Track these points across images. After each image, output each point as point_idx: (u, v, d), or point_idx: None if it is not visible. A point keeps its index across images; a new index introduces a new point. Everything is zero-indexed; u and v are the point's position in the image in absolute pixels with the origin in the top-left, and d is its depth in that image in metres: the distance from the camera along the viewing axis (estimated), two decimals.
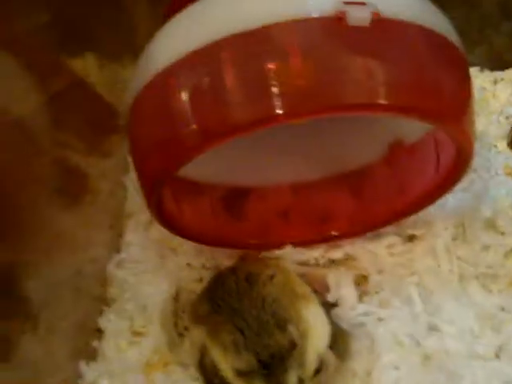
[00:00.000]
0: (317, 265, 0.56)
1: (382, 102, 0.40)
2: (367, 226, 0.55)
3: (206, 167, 0.53)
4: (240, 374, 0.45)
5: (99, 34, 0.60)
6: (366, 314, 0.52)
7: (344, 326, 0.51)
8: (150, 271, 0.57)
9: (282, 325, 0.46)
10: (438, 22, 0.44)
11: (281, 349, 0.45)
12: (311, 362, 0.46)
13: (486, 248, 0.54)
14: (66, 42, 0.55)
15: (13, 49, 0.47)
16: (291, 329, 0.45)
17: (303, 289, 0.50)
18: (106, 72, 0.61)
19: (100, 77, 0.60)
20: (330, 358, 0.48)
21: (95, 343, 0.53)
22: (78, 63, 0.57)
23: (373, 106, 0.40)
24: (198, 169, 0.53)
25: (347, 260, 0.56)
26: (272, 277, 0.49)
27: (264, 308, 0.47)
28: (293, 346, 0.45)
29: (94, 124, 0.59)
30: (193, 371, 0.50)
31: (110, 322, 0.54)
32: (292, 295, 0.48)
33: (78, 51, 0.57)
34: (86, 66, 0.58)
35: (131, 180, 0.61)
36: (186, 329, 0.51)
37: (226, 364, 0.46)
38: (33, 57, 0.50)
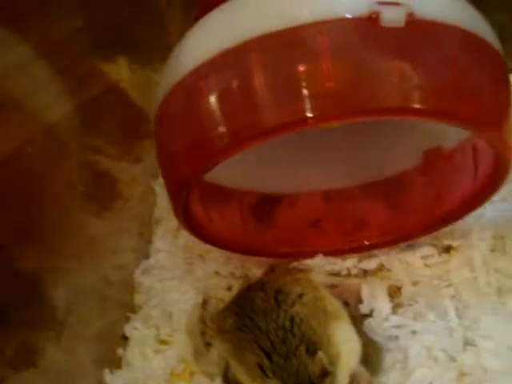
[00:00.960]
0: (349, 275, 0.54)
1: (416, 106, 0.38)
2: (402, 235, 0.54)
3: (236, 174, 0.53)
4: None
5: (132, 39, 0.59)
6: (399, 326, 0.50)
7: (376, 338, 0.50)
8: (177, 278, 0.56)
9: (311, 350, 0.44)
10: (477, 25, 0.42)
11: (311, 377, 0.43)
12: None
13: None
14: (99, 47, 0.55)
15: (49, 55, 0.47)
16: (322, 354, 0.44)
17: (334, 306, 0.48)
18: (138, 77, 0.60)
19: (132, 81, 0.60)
20: (362, 372, 0.47)
21: (120, 351, 0.53)
22: (110, 68, 0.57)
23: (406, 110, 0.39)
24: (228, 175, 0.52)
25: (381, 271, 0.54)
26: (301, 295, 0.48)
27: (292, 330, 0.45)
28: (324, 373, 0.43)
29: (125, 129, 0.59)
30: (219, 382, 0.49)
31: (135, 329, 0.53)
32: (322, 314, 0.47)
33: (110, 56, 0.57)
34: (118, 71, 0.58)
35: (161, 185, 0.60)
36: (212, 338, 0.50)
37: None
38: (67, 62, 0.50)
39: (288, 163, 0.54)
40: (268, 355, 0.44)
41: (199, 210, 0.51)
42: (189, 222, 0.49)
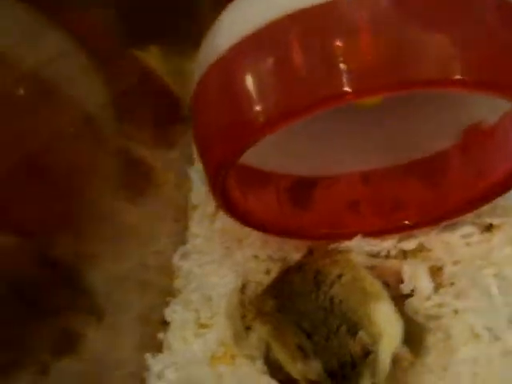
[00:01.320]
0: (389, 256, 0.53)
1: (457, 76, 0.37)
2: (441, 214, 0.53)
3: (273, 156, 0.52)
4: (306, 380, 0.44)
5: (165, 26, 0.59)
6: (441, 305, 0.49)
7: (418, 318, 0.49)
8: (215, 262, 0.56)
9: (352, 330, 0.44)
10: None
11: (353, 356, 0.43)
12: (384, 366, 0.44)
13: None
14: (133, 35, 0.55)
15: (86, 45, 0.47)
16: (362, 334, 0.43)
17: (374, 286, 0.48)
18: (172, 63, 0.60)
19: (166, 68, 0.60)
20: (404, 353, 0.46)
21: (161, 335, 0.53)
22: (144, 55, 0.57)
23: (446, 82, 0.38)
24: (264, 158, 0.52)
25: (421, 251, 0.53)
26: (340, 276, 0.47)
27: (332, 310, 0.45)
28: (366, 352, 0.43)
29: (160, 116, 0.59)
30: (260, 364, 0.49)
31: (175, 313, 0.53)
32: (362, 294, 0.46)
33: (144, 43, 0.57)
34: (152, 58, 0.58)
35: (196, 171, 0.60)
36: (252, 321, 0.50)
37: (291, 366, 0.45)
38: (103, 52, 0.50)
39: (324, 145, 0.54)
40: (309, 336, 0.44)
41: (236, 192, 0.50)
42: (226, 203, 0.49)
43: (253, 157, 0.48)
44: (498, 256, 0.51)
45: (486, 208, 0.52)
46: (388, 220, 0.54)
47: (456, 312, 0.49)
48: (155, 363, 0.51)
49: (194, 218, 0.59)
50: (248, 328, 0.51)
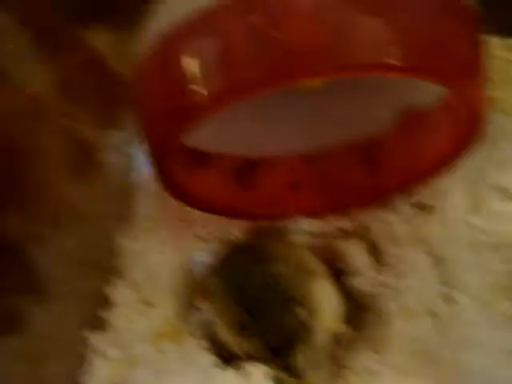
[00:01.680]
0: (329, 236, 0.55)
1: (392, 62, 0.38)
2: (380, 195, 0.55)
3: (216, 137, 0.53)
4: (248, 356, 0.45)
5: (113, 5, 0.59)
6: (379, 284, 0.51)
7: (357, 297, 0.51)
8: (160, 242, 0.56)
9: (290, 305, 0.45)
10: None
11: (289, 331, 0.44)
12: (322, 343, 0.45)
13: (501, 217, 0.53)
14: (80, 13, 0.54)
15: (30, 24, 0.47)
16: (300, 310, 0.45)
17: (313, 264, 0.49)
18: (119, 43, 0.60)
19: (112, 48, 0.59)
20: (343, 330, 0.48)
21: (104, 314, 0.53)
22: (89, 34, 0.56)
23: (381, 67, 0.39)
24: (208, 139, 0.52)
25: (360, 231, 0.55)
26: (282, 255, 0.49)
27: (272, 288, 0.46)
28: (302, 327, 0.44)
29: (105, 96, 0.59)
30: (204, 342, 0.50)
31: (119, 292, 0.54)
32: (301, 273, 0.48)
33: (90, 22, 0.56)
34: (99, 37, 0.57)
35: (140, 151, 0.60)
36: (197, 300, 0.51)
37: (233, 343, 0.46)
38: (47, 31, 0.50)
39: (267, 126, 0.55)
40: (250, 313, 0.45)
41: (180, 173, 0.51)
42: (170, 184, 0.49)
43: (196, 138, 0.49)
44: (433, 236, 0.53)
45: (422, 188, 0.54)
46: (328, 200, 0.56)
47: (393, 289, 0.51)
48: (99, 342, 0.51)
49: (138, 197, 0.59)
50: (192, 307, 0.52)
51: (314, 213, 0.55)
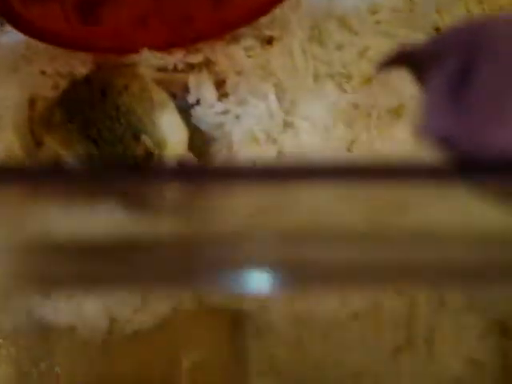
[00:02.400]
0: (176, 69, 0.55)
1: None
2: (226, 28, 0.55)
3: None
4: None
5: None
6: (224, 112, 0.53)
7: (203, 127, 0.52)
8: (1, 79, 0.54)
9: (136, 135, 0.46)
10: None
11: (136, 159, 0.45)
12: None
13: (340, 48, 0.55)
14: None
15: None
16: (146, 138, 0.46)
17: (160, 96, 0.50)
18: None
19: None
20: (189, 158, 0.49)
21: None
22: None
23: None
24: None
25: (206, 64, 0.55)
26: (127, 86, 0.49)
27: (118, 118, 0.47)
28: (148, 155, 0.45)
29: None
30: None
31: None
32: (148, 104, 0.48)
33: None
34: None
35: None
36: (42, 135, 0.51)
37: None
38: None
39: None
40: (96, 143, 0.46)
41: (19, 5, 0.49)
42: (8, 13, 0.48)
43: None
44: (276, 66, 0.54)
45: (265, 21, 0.55)
46: (174, 34, 0.55)
47: (237, 118, 0.52)
48: None
49: None
50: (38, 143, 0.51)
51: (160, 47, 0.55)
